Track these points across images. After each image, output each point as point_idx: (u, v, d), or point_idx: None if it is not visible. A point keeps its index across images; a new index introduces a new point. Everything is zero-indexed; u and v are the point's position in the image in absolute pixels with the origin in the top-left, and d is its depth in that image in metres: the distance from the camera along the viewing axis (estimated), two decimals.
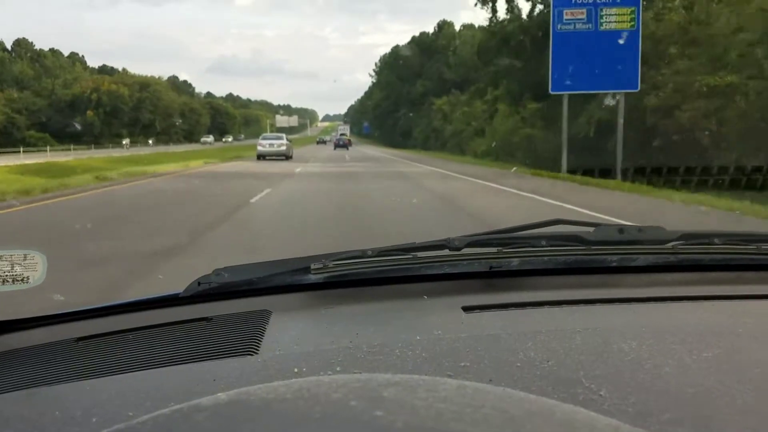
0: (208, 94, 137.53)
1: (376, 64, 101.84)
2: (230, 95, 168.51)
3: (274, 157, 27.27)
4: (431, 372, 0.72)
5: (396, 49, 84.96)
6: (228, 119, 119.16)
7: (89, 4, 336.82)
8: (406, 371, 0.73)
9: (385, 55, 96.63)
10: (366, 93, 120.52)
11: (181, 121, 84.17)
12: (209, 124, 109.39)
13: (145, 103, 71.82)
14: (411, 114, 72.87)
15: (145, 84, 75.37)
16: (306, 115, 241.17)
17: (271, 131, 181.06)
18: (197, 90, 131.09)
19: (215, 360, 0.81)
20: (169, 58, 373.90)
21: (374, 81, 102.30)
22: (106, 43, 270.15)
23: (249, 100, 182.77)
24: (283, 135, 31.49)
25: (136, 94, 71.13)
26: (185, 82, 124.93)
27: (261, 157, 27.39)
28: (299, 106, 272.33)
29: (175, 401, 0.48)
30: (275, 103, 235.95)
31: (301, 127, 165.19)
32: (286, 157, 27.91)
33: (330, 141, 74.66)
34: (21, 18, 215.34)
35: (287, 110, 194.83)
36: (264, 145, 28.30)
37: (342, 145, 57.09)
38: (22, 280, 0.95)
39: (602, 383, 0.67)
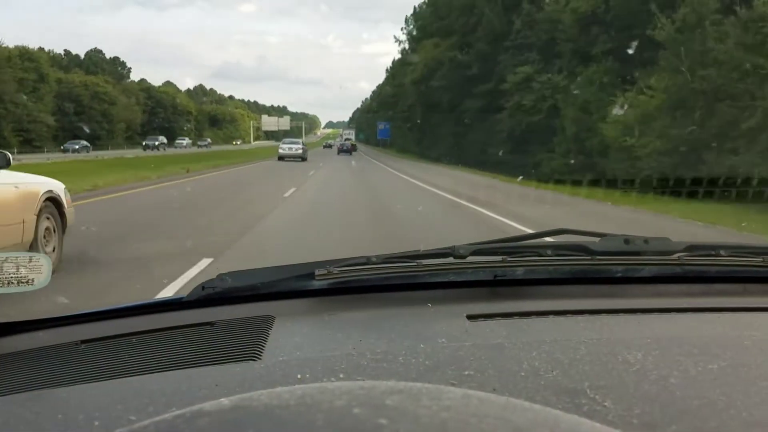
0: (168, 83, 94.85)
1: (408, 17, 58.53)
2: (200, 87, 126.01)
3: (291, 159, 33.44)
4: (435, 380, 0.71)
5: None
6: (177, 115, 74.88)
7: (92, 8, 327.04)
8: (410, 379, 0.72)
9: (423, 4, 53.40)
10: (390, 71, 72.30)
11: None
12: (141, 119, 65.82)
13: None
14: (517, 95, 29.65)
15: None
16: (306, 120, 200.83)
17: (255, 135, 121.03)
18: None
19: (218, 365, 0.81)
20: (173, 64, 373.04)
21: (405, 47, 59.38)
22: (109, 47, 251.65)
23: (231, 97, 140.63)
24: (300, 140, 41.37)
25: None
26: (115, 59, 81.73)
27: (281, 158, 33.92)
28: (300, 110, 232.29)
29: (178, 406, 0.47)
30: (268, 104, 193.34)
31: (295, 131, 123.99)
32: (302, 159, 33.95)
33: (335, 145, 71.18)
34: (22, 22, 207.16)
35: (281, 112, 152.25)
36: (284, 148, 35.50)
37: (346, 150, 55.48)
38: (27, 282, 0.95)
39: (607, 394, 0.67)
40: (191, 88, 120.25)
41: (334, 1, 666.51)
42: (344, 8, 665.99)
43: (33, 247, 4.44)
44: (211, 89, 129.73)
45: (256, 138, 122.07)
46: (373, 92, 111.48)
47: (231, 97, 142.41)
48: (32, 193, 4.59)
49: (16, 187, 4.44)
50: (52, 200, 4.85)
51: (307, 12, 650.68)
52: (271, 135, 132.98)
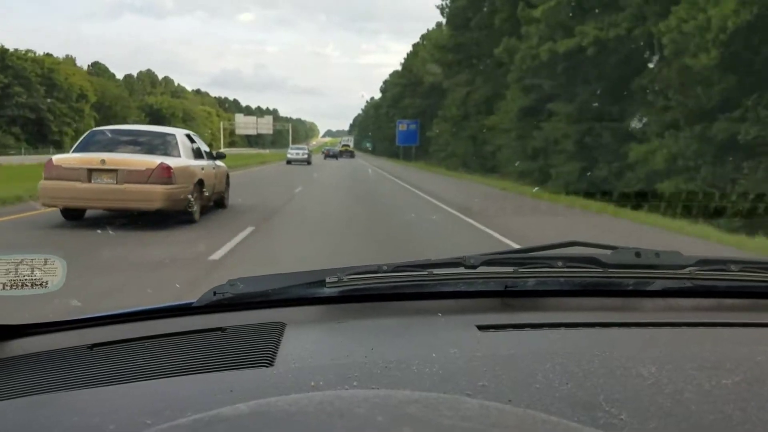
0: (95, 62, 62.36)
1: None
2: (148, 73, 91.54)
3: (297, 163, 37.32)
4: (449, 390, 0.71)
5: None
6: (58, 101, 41.25)
7: (89, 16, 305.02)
8: (424, 389, 0.72)
9: None
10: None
11: None
12: None
13: None
14: None
15: None
16: (302, 127, 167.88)
17: (226, 140, 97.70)
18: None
19: (231, 371, 0.81)
20: (172, 71, 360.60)
21: None
22: (107, 55, 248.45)
23: (198, 92, 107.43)
24: (305, 146, 46.11)
25: None
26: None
27: (289, 162, 38.05)
28: (296, 117, 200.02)
29: (193, 410, 0.48)
30: (254, 106, 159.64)
31: (281, 135, 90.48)
32: (308, 162, 38.05)
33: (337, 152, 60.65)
34: (17, 29, 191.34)
35: (270, 116, 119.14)
36: (292, 153, 40.39)
37: (333, 155, 51.11)
38: (41, 284, 0.95)
39: (622, 407, 0.66)
40: (134, 74, 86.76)
41: (332, 11, 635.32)
42: (342, 19, 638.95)
43: (225, 192, 10.41)
44: (165, 77, 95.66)
45: (230, 144, 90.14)
46: (385, 82, 78.52)
47: (198, 92, 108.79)
48: (225, 171, 10.49)
49: (226, 168, 10.56)
50: (227, 174, 10.65)
51: (304, 21, 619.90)
52: (254, 141, 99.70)
